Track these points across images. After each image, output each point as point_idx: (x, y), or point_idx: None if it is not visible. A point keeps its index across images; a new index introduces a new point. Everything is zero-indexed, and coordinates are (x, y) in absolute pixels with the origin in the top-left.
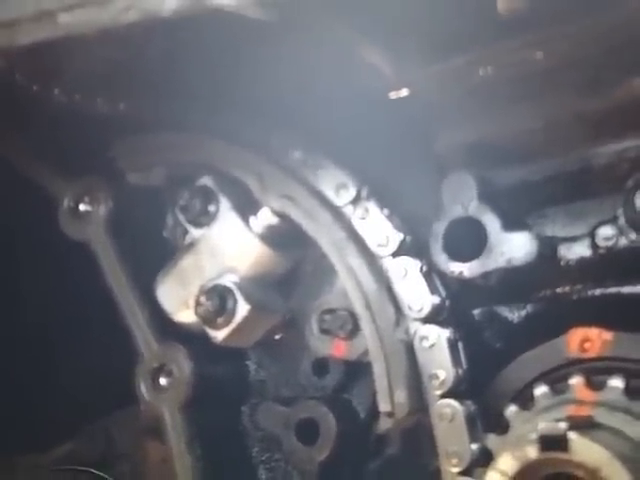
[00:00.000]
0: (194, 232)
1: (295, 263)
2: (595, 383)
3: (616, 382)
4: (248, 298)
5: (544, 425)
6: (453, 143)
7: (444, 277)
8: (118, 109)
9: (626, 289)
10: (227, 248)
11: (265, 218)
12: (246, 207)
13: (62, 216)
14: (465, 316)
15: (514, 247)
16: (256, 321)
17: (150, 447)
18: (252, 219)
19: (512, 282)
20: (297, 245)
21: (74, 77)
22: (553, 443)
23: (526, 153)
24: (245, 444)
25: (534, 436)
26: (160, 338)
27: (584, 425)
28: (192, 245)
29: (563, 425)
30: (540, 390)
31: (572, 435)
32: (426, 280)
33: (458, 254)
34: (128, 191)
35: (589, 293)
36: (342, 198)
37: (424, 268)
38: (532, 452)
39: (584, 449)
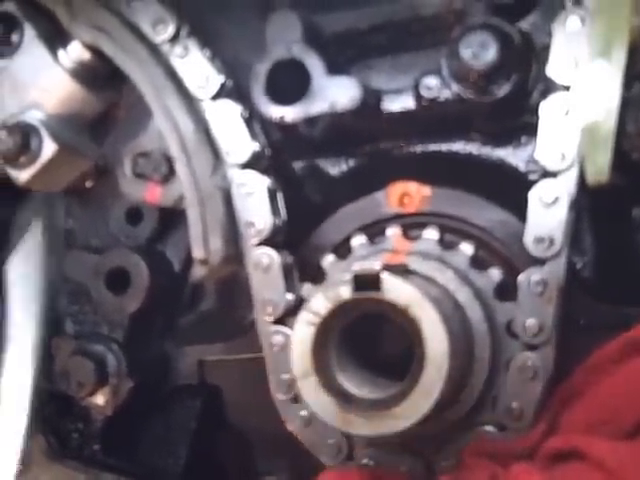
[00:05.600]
0: None
1: (108, 105)
2: (411, 234)
3: (431, 233)
4: (55, 137)
5: (358, 266)
6: None
7: (266, 125)
8: None
9: (445, 146)
10: (32, 82)
11: (75, 52)
12: (55, 38)
13: None
14: (286, 167)
15: (338, 92)
16: (64, 163)
17: None
18: (61, 53)
19: (335, 133)
20: (111, 86)
21: None
22: (366, 283)
23: None
24: (52, 296)
25: (348, 277)
26: None
27: (398, 270)
28: None
29: (377, 265)
30: (358, 240)
31: (385, 275)
32: (247, 125)
33: (280, 97)
34: None
35: (410, 149)
36: (160, 34)
37: (245, 113)
38: (345, 292)
39: (396, 288)
